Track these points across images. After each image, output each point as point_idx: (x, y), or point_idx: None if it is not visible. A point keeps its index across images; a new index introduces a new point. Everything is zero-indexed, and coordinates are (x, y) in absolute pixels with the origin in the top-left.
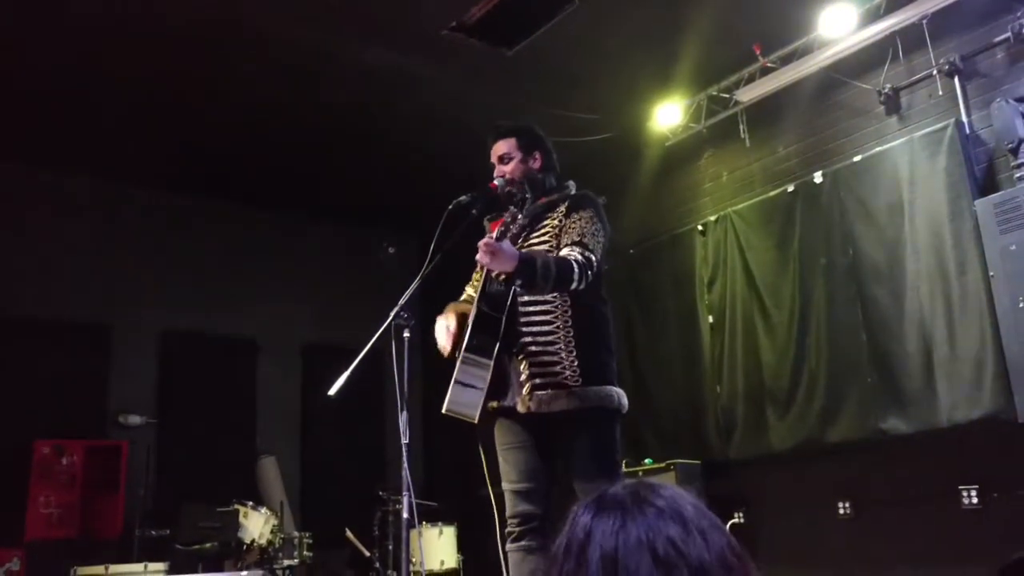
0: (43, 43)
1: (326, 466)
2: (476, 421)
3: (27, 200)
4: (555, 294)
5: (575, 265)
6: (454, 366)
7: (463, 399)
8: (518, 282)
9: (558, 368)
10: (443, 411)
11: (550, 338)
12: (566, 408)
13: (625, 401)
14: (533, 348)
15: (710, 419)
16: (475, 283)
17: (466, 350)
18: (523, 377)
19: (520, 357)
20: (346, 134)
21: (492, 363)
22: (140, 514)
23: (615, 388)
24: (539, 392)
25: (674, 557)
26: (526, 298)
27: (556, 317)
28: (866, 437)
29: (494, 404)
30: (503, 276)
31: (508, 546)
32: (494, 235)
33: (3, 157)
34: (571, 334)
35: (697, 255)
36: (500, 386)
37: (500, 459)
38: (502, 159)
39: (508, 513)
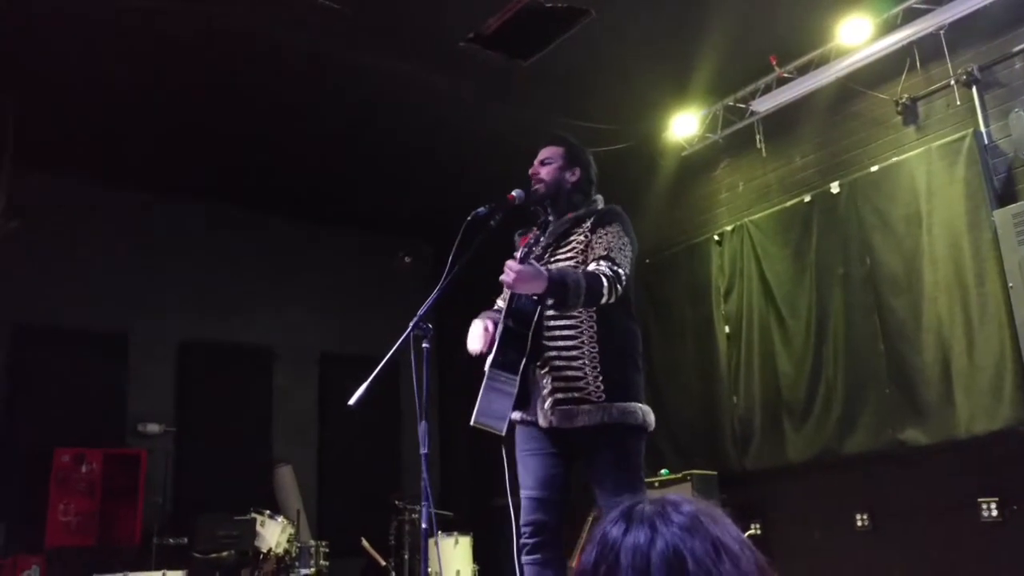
0: (67, 55)
1: (342, 475)
2: (503, 434)
3: (45, 210)
4: (581, 309)
5: (604, 279)
6: (480, 378)
7: (491, 412)
8: (550, 301)
9: (582, 383)
10: (472, 423)
11: (574, 353)
12: (588, 424)
13: (651, 419)
14: (557, 362)
15: (726, 429)
16: (503, 299)
17: (492, 366)
18: (546, 391)
19: (544, 371)
20: (364, 143)
21: (518, 379)
22: (158, 522)
23: (640, 404)
24: (561, 407)
25: (703, 573)
26: (552, 312)
27: (581, 332)
28: (884, 448)
29: (517, 416)
30: (534, 295)
31: (523, 558)
32: (518, 256)
33: (25, 168)
34: (596, 349)
35: (713, 265)
36: (523, 399)
37: (519, 464)
38: (543, 161)
39: (521, 520)
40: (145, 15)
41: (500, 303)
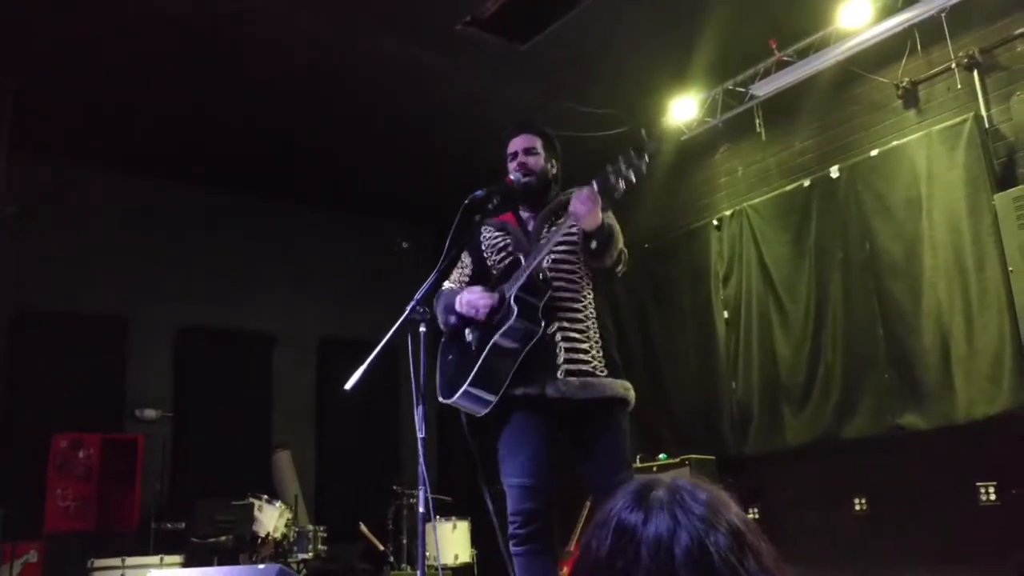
0: (67, 39)
1: (341, 460)
2: (480, 415)
3: (45, 195)
4: (583, 287)
5: (622, 252)
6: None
7: (487, 382)
8: (594, 243)
9: (589, 356)
10: (449, 400)
11: (580, 327)
12: (597, 396)
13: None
14: (568, 334)
15: (725, 414)
16: (461, 279)
17: (519, 316)
18: (560, 359)
19: (557, 340)
20: (362, 128)
21: (542, 328)
22: (156, 507)
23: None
24: (571, 378)
25: (728, 570)
26: (559, 283)
27: (586, 307)
28: (882, 433)
29: (519, 392)
30: (585, 230)
31: (513, 548)
32: (596, 188)
33: (23, 152)
34: (596, 325)
35: (712, 250)
36: (524, 372)
37: (505, 449)
38: (528, 151)
39: (511, 509)
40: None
41: (459, 278)
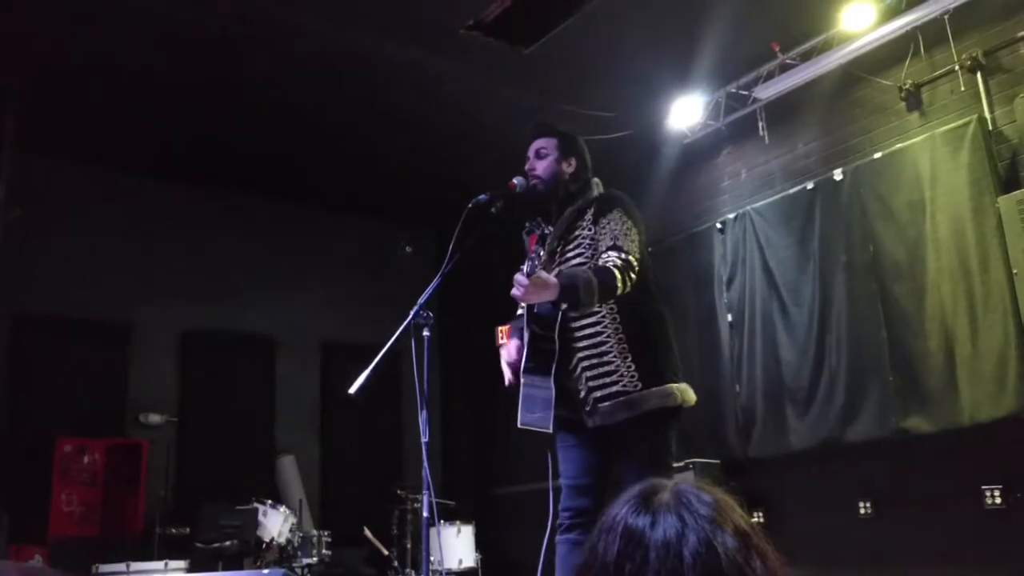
0: (69, 40)
1: (345, 464)
2: (551, 431)
3: (49, 196)
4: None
5: (615, 271)
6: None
7: (534, 414)
8: (563, 306)
9: (615, 376)
10: (519, 425)
11: (602, 348)
12: (630, 416)
13: (690, 395)
14: (588, 361)
15: (729, 418)
16: None
17: (525, 372)
18: (584, 393)
19: (577, 373)
20: (364, 131)
21: (552, 380)
22: (160, 512)
23: (676, 384)
24: (601, 405)
25: (735, 571)
26: (573, 313)
27: (605, 327)
28: (887, 436)
29: (561, 413)
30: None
31: (557, 537)
32: (524, 271)
33: (25, 151)
34: (623, 340)
35: (716, 253)
36: (566, 398)
37: (560, 456)
38: (538, 154)
39: (562, 506)
40: (155, 4)
41: (522, 308)
